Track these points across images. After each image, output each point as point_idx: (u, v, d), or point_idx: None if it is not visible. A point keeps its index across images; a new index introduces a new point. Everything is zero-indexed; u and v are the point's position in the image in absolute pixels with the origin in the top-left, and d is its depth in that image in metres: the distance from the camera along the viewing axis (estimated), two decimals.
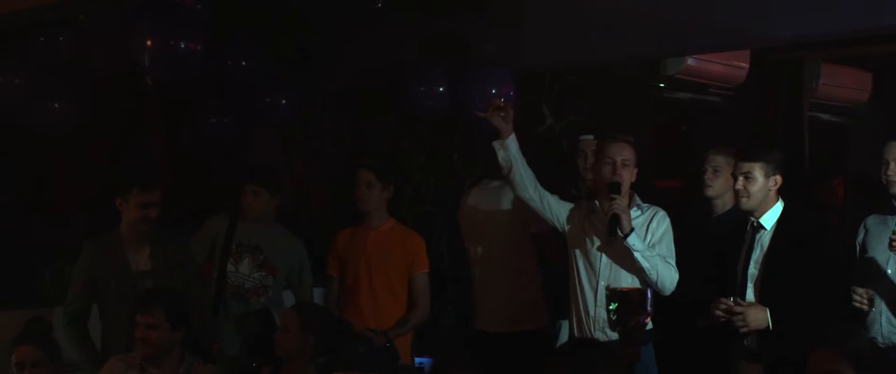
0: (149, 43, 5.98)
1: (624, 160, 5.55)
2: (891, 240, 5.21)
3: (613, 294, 2.81)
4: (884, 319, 5.46)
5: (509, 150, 5.57)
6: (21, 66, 6.41)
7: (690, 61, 7.44)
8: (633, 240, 5.38)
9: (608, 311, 2.80)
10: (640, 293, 2.82)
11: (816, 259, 5.17)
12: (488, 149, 6.11)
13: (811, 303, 5.07)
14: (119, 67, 6.40)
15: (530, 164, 5.73)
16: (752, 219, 5.35)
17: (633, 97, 7.25)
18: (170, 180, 6.42)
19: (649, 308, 2.82)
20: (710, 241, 5.74)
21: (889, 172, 5.42)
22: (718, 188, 5.91)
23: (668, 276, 5.44)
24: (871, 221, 5.53)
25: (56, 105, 6.53)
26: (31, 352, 5.29)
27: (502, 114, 5.53)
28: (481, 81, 6.90)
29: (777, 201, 5.36)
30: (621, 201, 5.44)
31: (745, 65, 7.74)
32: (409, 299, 6.30)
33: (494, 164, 5.82)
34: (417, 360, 6.55)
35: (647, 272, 5.38)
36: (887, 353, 5.37)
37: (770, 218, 5.34)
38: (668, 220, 5.61)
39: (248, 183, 6.36)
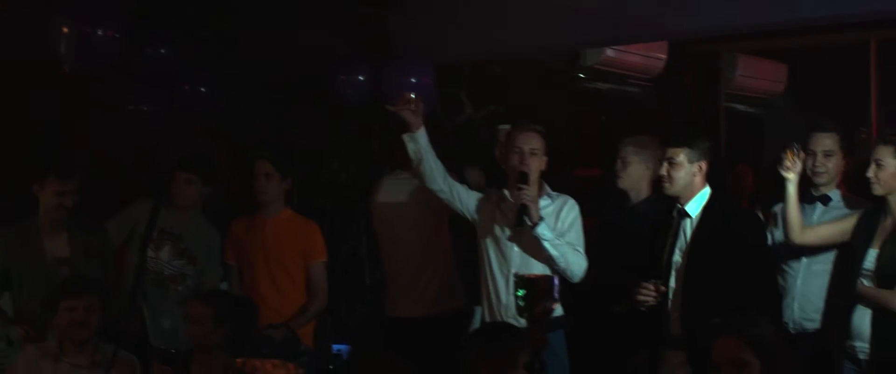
0: (65, 30, 5.95)
1: (532, 150, 5.59)
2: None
3: (521, 281, 2.86)
4: (796, 305, 5.59)
5: (419, 142, 5.60)
6: None
7: (609, 52, 7.54)
8: (541, 230, 5.44)
9: (516, 297, 2.84)
10: (547, 280, 2.88)
11: (742, 248, 5.24)
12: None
13: (734, 292, 5.10)
14: (36, 55, 6.34)
15: (449, 154, 5.78)
16: (678, 205, 5.38)
17: (553, 87, 7.32)
18: (89, 170, 6.34)
19: (556, 295, 2.88)
20: (626, 229, 5.84)
21: (816, 164, 5.51)
22: (628, 179, 6.00)
23: (576, 263, 5.51)
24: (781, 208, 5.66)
25: None
26: None
27: (411, 107, 5.56)
28: (401, 70, 6.95)
29: (703, 187, 5.38)
30: (529, 190, 5.48)
31: (664, 56, 7.86)
32: (308, 288, 6.32)
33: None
34: (335, 347, 6.58)
35: (556, 260, 5.44)
36: (796, 340, 5.50)
37: (695, 205, 5.36)
38: (577, 208, 5.67)
39: (182, 171, 6.32)
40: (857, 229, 5.40)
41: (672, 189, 5.35)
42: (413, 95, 5.63)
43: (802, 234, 5.48)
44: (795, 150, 5.44)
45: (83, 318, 5.28)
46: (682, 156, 5.32)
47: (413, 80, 6.89)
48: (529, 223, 5.44)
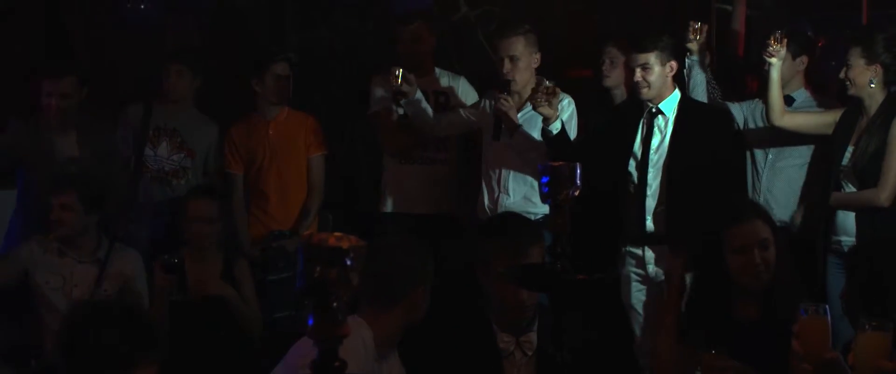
0: None
1: (512, 56, 5.67)
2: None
3: (545, 169, 2.93)
4: (761, 199, 5.75)
5: (417, 106, 5.90)
6: None
7: None
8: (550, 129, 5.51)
9: (540, 184, 2.92)
10: (570, 168, 2.95)
11: (717, 143, 5.42)
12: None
13: (712, 189, 5.25)
14: None
15: (445, 54, 5.86)
16: (651, 105, 5.49)
17: None
18: (87, 66, 6.36)
19: (578, 182, 2.96)
20: (610, 129, 5.89)
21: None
22: (615, 79, 6.11)
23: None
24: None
25: None
26: None
27: (405, 81, 5.76)
28: None
29: (674, 88, 5.53)
30: (508, 100, 5.57)
31: None
32: (308, 183, 6.42)
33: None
34: None
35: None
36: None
37: (669, 105, 5.50)
38: (573, 106, 5.77)
39: (172, 63, 6.35)
40: (838, 128, 5.54)
41: (650, 93, 5.46)
42: (401, 71, 5.73)
43: (782, 117, 5.62)
44: (778, 36, 5.54)
45: (57, 215, 5.37)
46: (653, 59, 5.42)
47: None
48: (506, 135, 5.58)
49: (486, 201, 5.84)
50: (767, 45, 5.54)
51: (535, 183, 5.60)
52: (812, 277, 5.48)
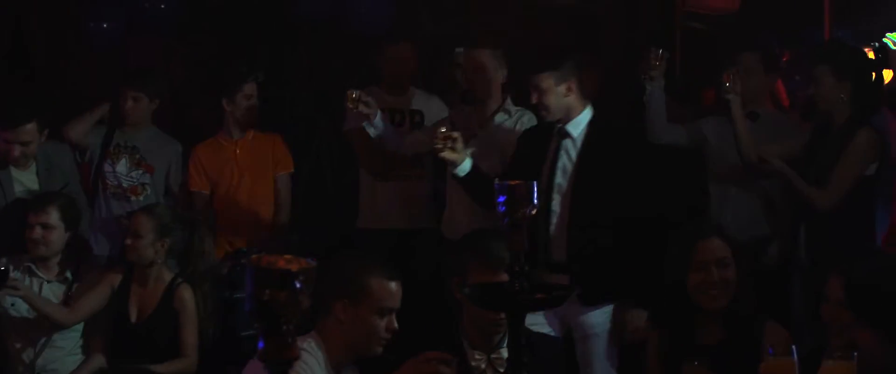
0: None
1: (475, 68, 5.64)
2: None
3: (501, 188, 2.94)
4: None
5: (378, 127, 5.79)
6: None
7: None
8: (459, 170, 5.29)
9: (496, 203, 2.92)
10: (526, 186, 2.95)
11: (625, 168, 5.11)
12: (371, 55, 6.28)
13: (621, 213, 5.02)
14: None
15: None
16: (559, 125, 5.22)
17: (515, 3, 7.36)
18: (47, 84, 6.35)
19: (535, 200, 2.96)
20: (524, 153, 5.72)
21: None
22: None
23: None
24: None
25: None
26: None
27: (362, 103, 5.67)
28: None
29: (584, 107, 5.23)
30: (451, 136, 5.19)
31: None
32: (275, 201, 6.40)
33: (375, 71, 6.20)
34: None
35: None
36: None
37: (577, 125, 5.22)
38: (534, 121, 5.56)
39: (128, 88, 6.36)
40: (808, 151, 5.50)
41: (550, 116, 5.21)
42: (357, 93, 5.68)
43: (755, 156, 5.48)
44: (732, 71, 5.51)
45: (38, 235, 5.35)
46: (548, 81, 5.15)
47: None
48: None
49: (457, 217, 5.79)
50: (722, 84, 5.50)
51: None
52: (777, 297, 5.42)
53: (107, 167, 6.35)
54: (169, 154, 6.46)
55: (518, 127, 5.66)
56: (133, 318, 5.35)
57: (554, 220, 5.16)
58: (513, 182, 2.97)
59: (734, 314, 4.08)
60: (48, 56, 7.15)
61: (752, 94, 5.70)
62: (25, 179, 5.95)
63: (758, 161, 5.49)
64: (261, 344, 2.19)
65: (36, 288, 5.40)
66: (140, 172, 6.39)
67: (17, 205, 5.78)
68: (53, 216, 5.38)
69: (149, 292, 5.36)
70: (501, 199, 2.94)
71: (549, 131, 5.27)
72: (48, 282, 5.46)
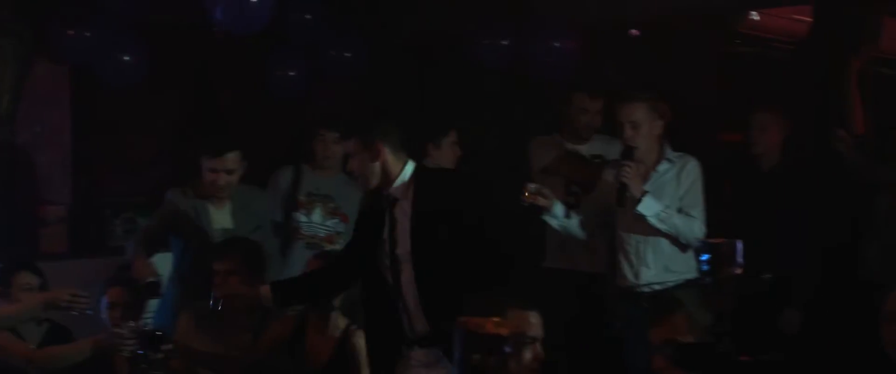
0: None
1: (633, 122, 5.47)
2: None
3: (704, 246, 2.86)
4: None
5: (558, 217, 5.60)
6: (92, 19, 6.51)
7: (753, 14, 7.47)
8: (643, 207, 5.32)
9: (700, 261, 2.84)
10: (729, 245, 2.87)
11: (467, 218, 4.72)
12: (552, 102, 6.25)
13: (468, 269, 4.62)
14: (188, 20, 6.49)
15: None
16: (387, 194, 4.79)
17: (698, 51, 7.27)
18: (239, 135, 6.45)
19: (739, 259, 2.88)
20: (757, 195, 6.01)
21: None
22: (763, 145, 6.06)
23: (688, 230, 5.38)
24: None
25: (126, 58, 6.64)
26: (121, 294, 5.42)
27: (541, 195, 5.49)
28: (545, 34, 6.95)
29: (403, 168, 4.77)
30: (631, 167, 5.35)
31: (807, 18, 7.72)
32: None
33: (555, 117, 6.17)
34: None
35: (666, 232, 5.39)
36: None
37: (402, 187, 4.77)
38: (697, 169, 5.50)
39: (328, 130, 6.33)
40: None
41: (370, 184, 4.80)
42: (535, 186, 5.53)
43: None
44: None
45: (223, 281, 5.31)
46: (355, 145, 4.78)
47: (556, 44, 6.89)
48: (635, 199, 5.35)
49: (626, 272, 5.69)
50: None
51: (673, 251, 5.45)
52: None
53: (301, 217, 6.36)
54: (358, 201, 6.48)
55: (682, 175, 5.53)
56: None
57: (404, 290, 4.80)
58: (715, 240, 2.91)
59: None
60: (235, 103, 7.29)
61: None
62: (219, 218, 5.90)
63: None
64: None
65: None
66: (335, 220, 6.38)
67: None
68: (235, 262, 5.34)
69: (324, 340, 5.39)
70: (704, 257, 2.87)
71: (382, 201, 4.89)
72: (236, 328, 5.47)
